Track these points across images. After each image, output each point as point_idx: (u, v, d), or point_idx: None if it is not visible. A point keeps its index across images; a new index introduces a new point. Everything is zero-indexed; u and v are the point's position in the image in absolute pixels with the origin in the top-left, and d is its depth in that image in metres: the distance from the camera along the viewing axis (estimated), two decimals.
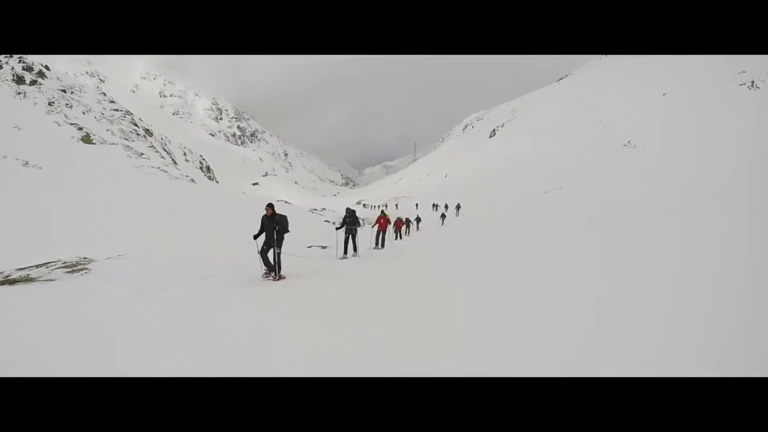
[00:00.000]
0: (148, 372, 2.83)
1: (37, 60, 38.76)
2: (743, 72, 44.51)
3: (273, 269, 6.58)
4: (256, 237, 6.79)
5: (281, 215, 6.84)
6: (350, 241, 10.08)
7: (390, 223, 12.78)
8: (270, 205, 6.80)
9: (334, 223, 9.92)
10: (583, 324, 3.58)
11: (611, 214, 12.21)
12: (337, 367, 2.90)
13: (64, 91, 37.85)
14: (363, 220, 23.57)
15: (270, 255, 6.70)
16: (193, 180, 34.80)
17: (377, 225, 12.62)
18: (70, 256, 7.43)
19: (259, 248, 6.76)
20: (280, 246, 6.73)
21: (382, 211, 13.38)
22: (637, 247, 6.90)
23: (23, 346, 3.46)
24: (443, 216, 26.20)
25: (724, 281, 4.24)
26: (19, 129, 27.37)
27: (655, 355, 2.78)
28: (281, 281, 6.45)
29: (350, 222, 10.15)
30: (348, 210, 10.51)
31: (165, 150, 45.54)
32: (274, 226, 6.67)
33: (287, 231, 6.87)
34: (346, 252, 9.91)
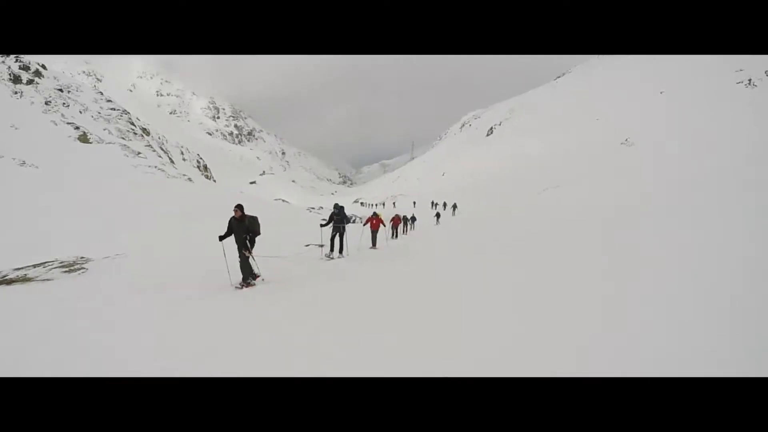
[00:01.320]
0: (148, 372, 2.82)
1: (33, 59, 38.52)
2: (740, 70, 44.52)
3: (253, 275, 6.22)
4: (221, 238, 6.24)
5: (251, 217, 6.31)
6: (338, 239, 9.54)
7: (382, 224, 12.48)
8: (239, 207, 6.19)
9: (322, 219, 9.49)
10: (583, 324, 3.58)
11: (610, 213, 12.22)
12: (335, 368, 2.90)
13: (60, 90, 37.63)
14: (360, 217, 23.52)
15: (243, 260, 6.23)
16: (190, 179, 34.68)
17: (370, 225, 12.00)
18: (68, 256, 7.41)
19: (229, 249, 6.22)
20: (251, 249, 6.21)
21: (374, 213, 13.02)
22: (637, 247, 6.91)
23: (21, 346, 3.45)
24: (438, 215, 26.13)
25: (724, 281, 4.25)
26: (16, 128, 27.26)
27: (655, 355, 2.78)
28: (277, 283, 6.38)
29: (338, 219, 9.56)
30: (336, 206, 9.87)
31: (162, 149, 45.41)
32: (244, 235, 6.14)
33: (258, 234, 6.36)
34: (332, 250, 9.45)
